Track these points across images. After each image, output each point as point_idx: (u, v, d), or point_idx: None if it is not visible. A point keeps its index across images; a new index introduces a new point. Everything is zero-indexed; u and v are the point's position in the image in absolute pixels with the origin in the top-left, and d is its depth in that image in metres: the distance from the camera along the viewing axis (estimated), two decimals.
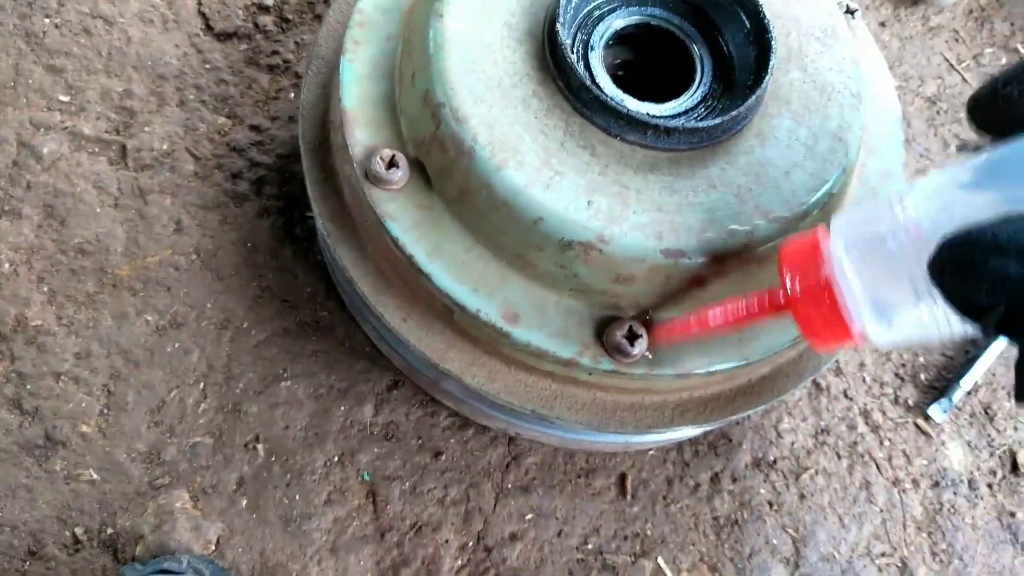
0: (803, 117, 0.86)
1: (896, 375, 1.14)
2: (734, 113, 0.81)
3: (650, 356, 0.81)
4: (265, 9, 1.19)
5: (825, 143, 0.86)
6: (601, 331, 0.82)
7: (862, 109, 0.89)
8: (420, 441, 0.99)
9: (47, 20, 1.14)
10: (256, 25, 1.18)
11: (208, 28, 1.16)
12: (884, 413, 1.11)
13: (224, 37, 1.16)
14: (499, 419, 1.01)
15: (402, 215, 0.83)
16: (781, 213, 0.82)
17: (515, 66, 0.82)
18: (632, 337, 0.80)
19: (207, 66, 1.14)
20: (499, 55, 0.82)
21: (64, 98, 1.10)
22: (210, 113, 1.11)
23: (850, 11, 1.01)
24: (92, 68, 1.12)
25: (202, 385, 0.98)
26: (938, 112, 1.33)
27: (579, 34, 0.89)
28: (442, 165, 0.83)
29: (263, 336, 1.01)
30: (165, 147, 1.08)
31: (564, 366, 0.82)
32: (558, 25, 0.80)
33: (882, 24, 1.37)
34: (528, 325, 0.81)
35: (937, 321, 0.51)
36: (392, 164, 0.83)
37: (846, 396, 1.11)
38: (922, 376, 1.15)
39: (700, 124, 0.81)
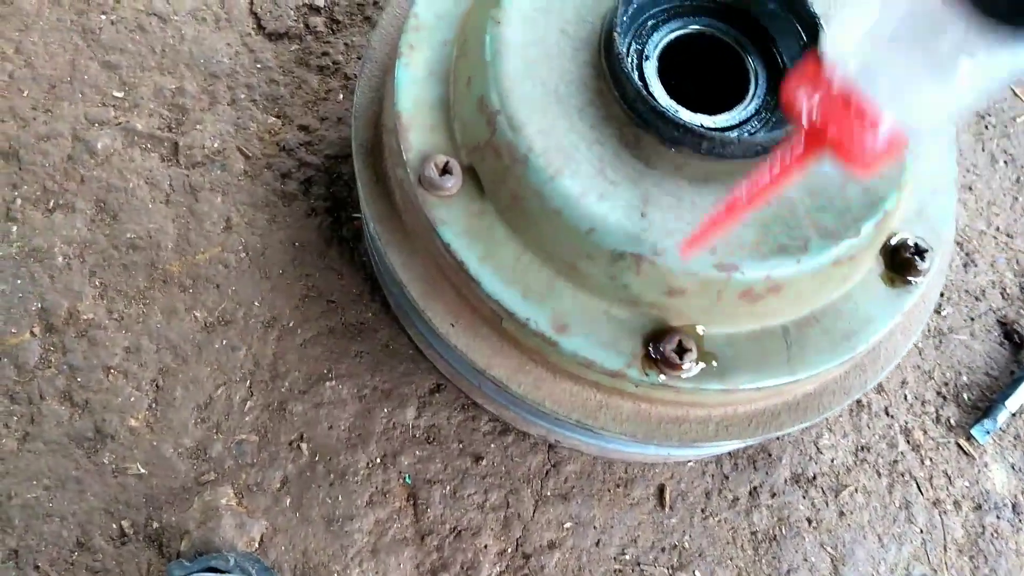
0: None
1: (938, 394, 1.13)
2: (791, 127, 0.81)
3: (699, 368, 0.81)
4: (316, 10, 1.20)
5: None
6: (650, 343, 0.82)
7: None
8: (461, 445, 1.00)
9: (103, 16, 1.15)
10: (307, 26, 1.19)
11: (260, 28, 1.18)
12: (926, 432, 1.10)
13: (275, 37, 1.18)
14: (540, 426, 1.02)
15: (454, 221, 0.83)
16: (835, 228, 0.81)
17: (571, 74, 0.83)
18: (681, 351, 0.80)
19: (258, 66, 1.15)
20: (555, 63, 0.83)
21: (118, 94, 1.12)
22: (260, 113, 1.13)
23: None
24: (146, 65, 1.13)
25: (248, 383, 1.00)
26: (986, 127, 1.32)
27: (634, 43, 0.89)
28: (496, 172, 0.83)
29: (309, 335, 1.02)
30: (216, 145, 1.10)
31: (611, 377, 0.82)
32: (615, 35, 0.80)
33: None
34: (577, 335, 0.81)
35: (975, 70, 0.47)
36: (446, 170, 0.83)
37: (887, 414, 1.10)
38: (965, 395, 1.13)
39: (756, 137, 0.80)
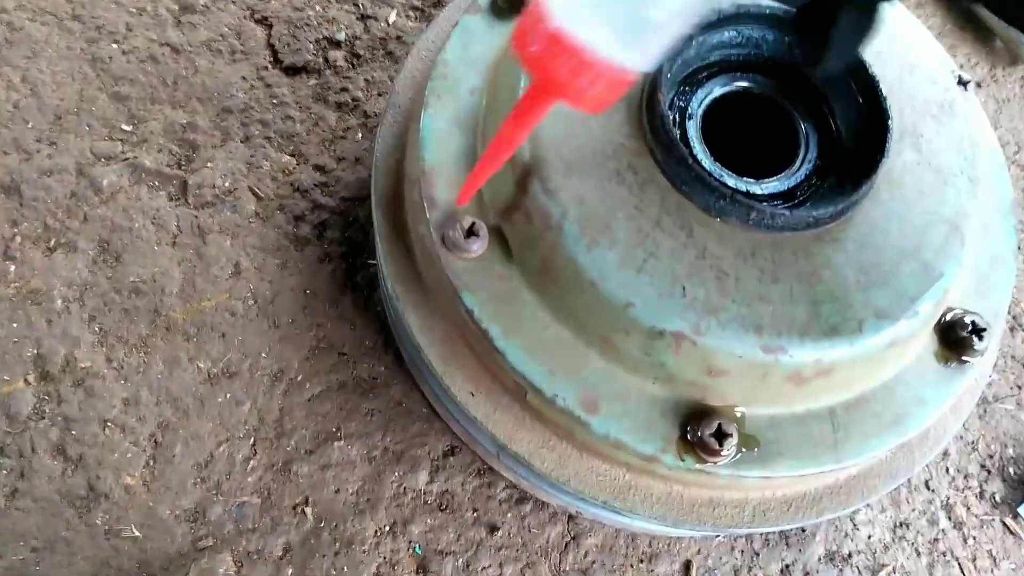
0: (916, 203, 0.80)
1: (983, 467, 1.06)
2: (846, 201, 0.75)
3: (739, 455, 0.75)
4: (336, 44, 1.15)
5: (939, 232, 0.79)
6: (686, 425, 0.76)
7: (979, 194, 0.82)
8: (476, 514, 0.94)
9: (115, 46, 1.11)
10: (326, 60, 1.14)
11: (276, 61, 1.13)
12: (968, 508, 1.04)
13: (292, 71, 1.12)
14: (560, 497, 0.96)
15: (479, 286, 0.78)
16: (890, 309, 0.75)
17: (609, 134, 0.77)
18: (721, 435, 0.74)
19: (274, 100, 1.10)
20: (593, 122, 0.77)
21: (127, 127, 1.06)
22: (275, 151, 1.07)
23: (963, 82, 0.94)
24: (157, 97, 1.08)
25: (252, 440, 0.94)
26: None
27: (677, 100, 0.83)
28: (526, 237, 0.78)
29: (317, 390, 0.97)
30: (227, 184, 1.04)
31: (644, 460, 0.77)
32: (658, 95, 0.75)
33: (978, 84, 1.30)
34: (608, 414, 0.75)
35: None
36: (471, 232, 0.77)
37: (928, 487, 1.04)
38: (1011, 469, 1.07)
39: (808, 210, 0.74)
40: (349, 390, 0.97)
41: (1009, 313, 1.15)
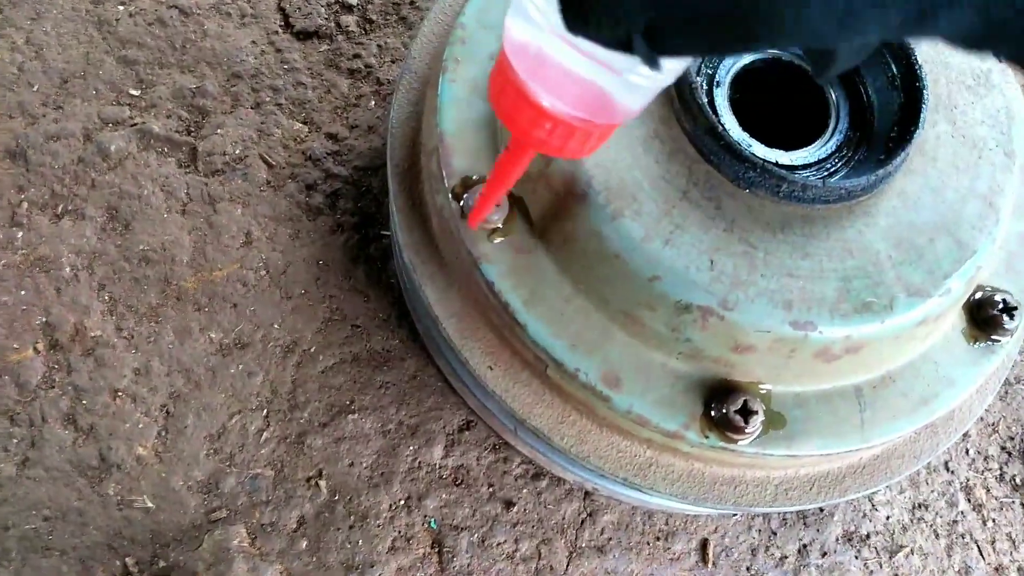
0: (950, 176, 0.77)
1: (1003, 449, 1.05)
2: (879, 173, 0.73)
3: (765, 432, 0.73)
4: (348, 8, 1.11)
5: (974, 207, 0.77)
6: (711, 401, 0.74)
7: (1015, 169, 0.80)
8: (491, 489, 0.92)
9: (121, 8, 1.08)
10: (338, 25, 1.11)
11: (288, 25, 1.10)
12: (988, 491, 1.03)
13: (304, 36, 1.09)
14: (577, 473, 0.95)
15: (499, 258, 0.76)
16: (923, 285, 0.73)
17: None
18: (747, 412, 0.72)
19: (285, 66, 1.07)
20: None
21: (135, 92, 1.04)
22: (286, 118, 1.05)
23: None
24: (165, 61, 1.06)
25: (265, 412, 0.92)
26: None
27: (703, 67, 0.80)
28: (548, 206, 0.75)
29: (331, 363, 0.95)
30: (238, 152, 1.02)
31: (666, 437, 0.75)
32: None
33: None
34: (630, 390, 0.74)
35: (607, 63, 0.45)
36: None
37: (947, 469, 1.03)
38: None
39: (840, 182, 0.72)
40: (363, 363, 0.96)
41: None
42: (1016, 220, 0.86)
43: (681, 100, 0.73)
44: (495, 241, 0.76)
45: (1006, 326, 0.79)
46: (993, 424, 1.06)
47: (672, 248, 0.70)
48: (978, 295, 0.81)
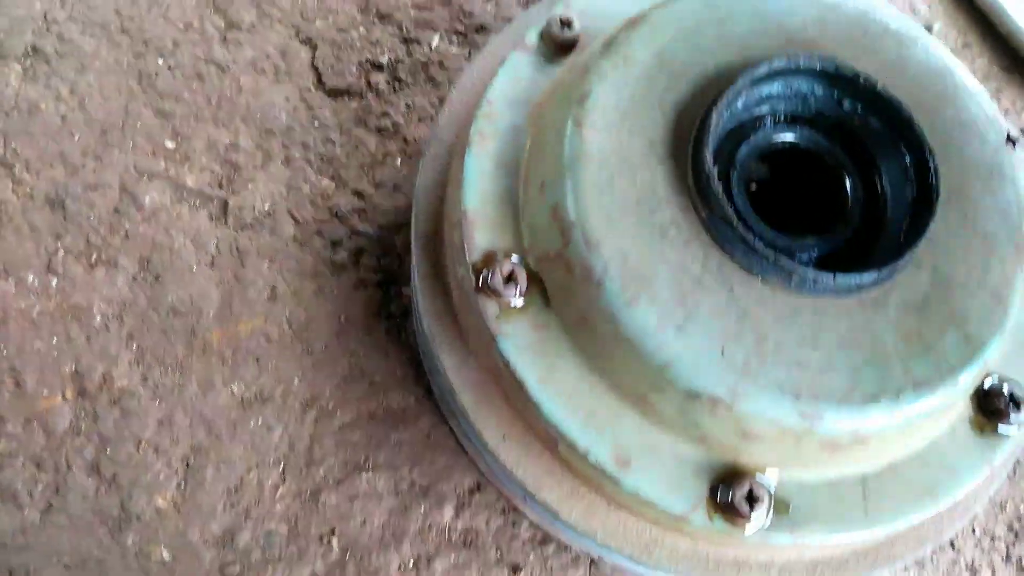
0: (961, 269, 0.79)
1: (1009, 529, 1.05)
2: (890, 267, 0.74)
3: (770, 519, 0.75)
4: (379, 67, 1.15)
5: (983, 300, 0.78)
6: (717, 486, 0.76)
7: None
8: (499, 553, 0.94)
9: (161, 61, 1.12)
10: (368, 83, 1.14)
11: (320, 83, 1.13)
12: (994, 571, 1.03)
13: (335, 94, 1.13)
14: (583, 541, 0.96)
15: (516, 334, 0.78)
16: (930, 379, 0.74)
17: (654, 188, 0.77)
18: (752, 500, 0.73)
19: (316, 123, 1.11)
20: (639, 174, 0.77)
21: (170, 144, 1.08)
22: (315, 174, 1.08)
23: (1011, 140, 0.92)
24: (201, 116, 1.09)
25: (282, 467, 0.95)
26: None
27: (722, 150, 0.82)
28: (565, 287, 0.78)
29: (348, 419, 0.98)
30: (267, 207, 1.05)
31: (673, 519, 0.76)
32: (704, 151, 0.74)
33: (1023, 131, 1.27)
34: (639, 471, 0.75)
35: None
36: (511, 279, 0.78)
37: (952, 547, 1.03)
38: None
39: (852, 276, 0.74)
40: (379, 420, 0.98)
41: None
42: None
43: (698, 189, 0.75)
44: (513, 317, 0.78)
45: (1013, 418, 0.80)
46: (1001, 503, 1.06)
47: (684, 336, 0.72)
48: (986, 384, 0.82)
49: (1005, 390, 0.81)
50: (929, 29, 1.31)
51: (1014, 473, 1.08)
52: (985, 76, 1.30)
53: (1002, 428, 0.81)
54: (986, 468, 0.81)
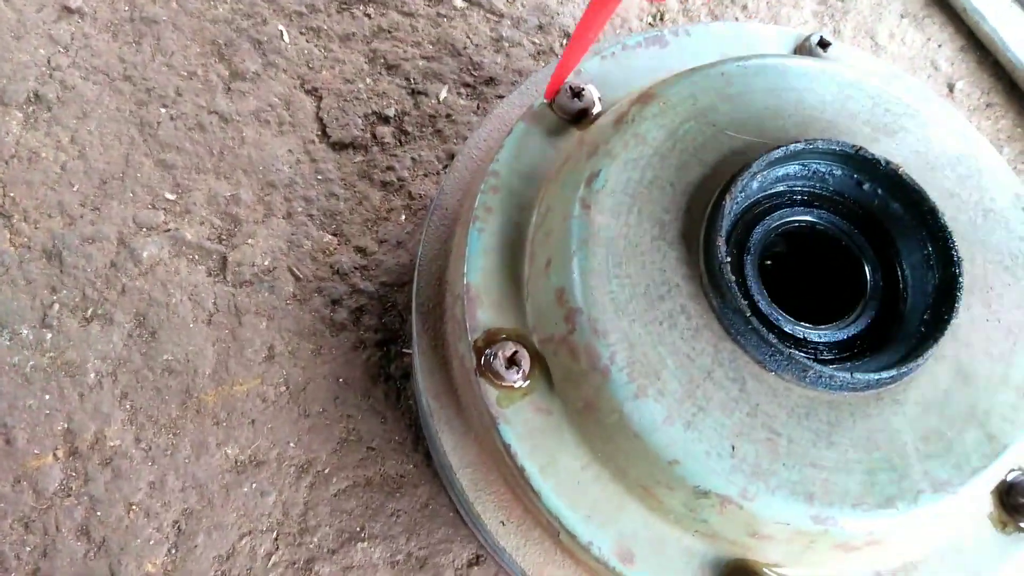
0: (983, 363, 0.76)
1: None
2: (909, 365, 0.71)
3: None
4: (385, 120, 1.13)
5: (1007, 397, 0.75)
6: None
7: None
8: None
9: (163, 110, 1.10)
10: (374, 136, 1.12)
11: (324, 135, 1.11)
12: None
13: (339, 147, 1.11)
14: None
15: (517, 419, 0.75)
16: (950, 480, 0.71)
17: (664, 273, 0.74)
18: None
19: (319, 177, 1.09)
20: (648, 259, 0.74)
21: (171, 196, 1.06)
22: (316, 229, 1.06)
23: None
24: (202, 167, 1.07)
25: (275, 534, 0.92)
26: None
27: (735, 232, 0.80)
28: (570, 372, 0.75)
29: (344, 485, 0.95)
30: (267, 263, 1.03)
31: None
32: (718, 238, 0.72)
33: None
34: (643, 566, 0.72)
35: None
36: (513, 362, 0.75)
37: None
38: None
39: (868, 375, 0.71)
40: (376, 487, 0.95)
41: None
42: None
43: (710, 277, 0.72)
44: (515, 401, 0.76)
45: None
46: None
47: (693, 431, 0.69)
48: (1008, 477, 0.79)
49: None
50: (951, 88, 1.28)
51: None
52: (1009, 137, 1.27)
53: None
54: (1008, 568, 0.78)
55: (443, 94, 1.16)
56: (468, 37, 1.20)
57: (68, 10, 1.15)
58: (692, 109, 0.80)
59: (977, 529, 0.78)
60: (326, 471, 0.96)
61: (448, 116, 1.15)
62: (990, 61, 1.29)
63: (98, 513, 0.92)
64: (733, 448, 0.69)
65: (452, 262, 0.86)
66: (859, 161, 0.78)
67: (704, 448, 0.69)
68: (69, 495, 0.92)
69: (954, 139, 0.84)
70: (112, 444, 0.94)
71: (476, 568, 0.94)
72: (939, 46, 1.31)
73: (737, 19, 1.28)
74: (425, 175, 1.11)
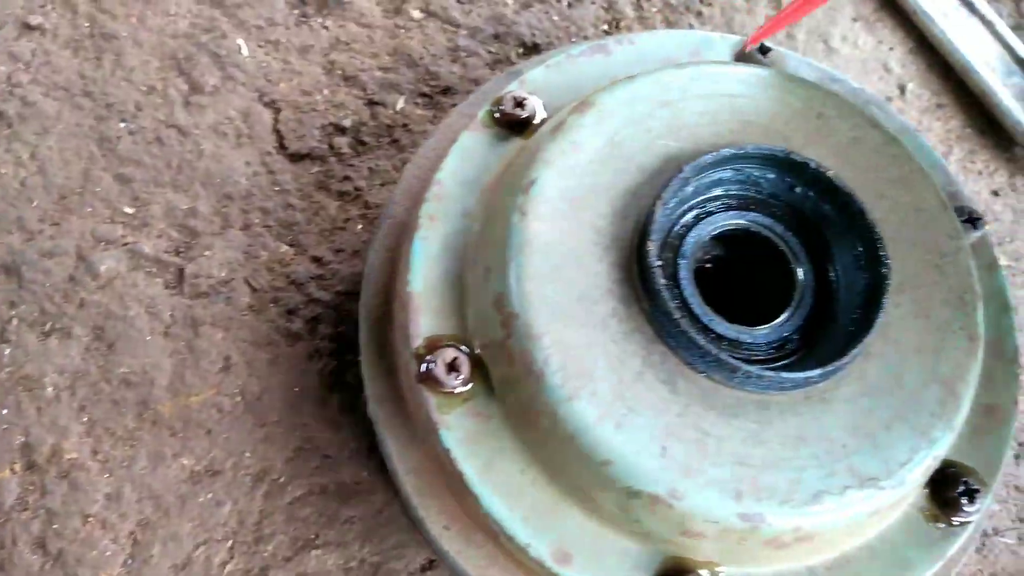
0: (912, 360, 0.77)
1: None
2: (835, 363, 0.73)
3: None
4: (342, 130, 1.14)
5: (934, 393, 0.77)
6: None
7: (978, 352, 0.79)
8: None
9: (123, 125, 1.11)
10: (331, 146, 1.13)
11: (282, 147, 1.13)
12: None
13: (297, 158, 1.12)
14: None
15: (457, 424, 0.76)
16: (877, 476, 0.73)
17: (598, 278, 0.76)
18: None
19: (276, 188, 1.10)
20: (582, 264, 0.76)
21: (129, 210, 1.07)
22: (273, 240, 1.07)
23: (972, 220, 0.91)
24: (160, 180, 1.09)
25: (230, 543, 0.93)
26: None
27: (669, 238, 0.81)
28: (507, 377, 0.76)
29: (299, 493, 0.96)
30: (223, 275, 1.04)
31: None
32: (649, 243, 0.73)
33: (995, 193, 1.26)
34: (580, 567, 0.74)
35: None
36: (453, 368, 0.77)
37: None
38: None
39: (793, 375, 0.72)
40: (330, 496, 0.96)
41: (1015, 439, 1.12)
42: (985, 392, 0.86)
43: (642, 281, 0.74)
44: (455, 407, 0.77)
45: (967, 510, 0.79)
46: None
47: (624, 432, 0.71)
48: (942, 471, 0.81)
49: (959, 480, 0.80)
50: (902, 89, 1.30)
51: (983, 546, 1.06)
52: (959, 137, 1.29)
53: (956, 520, 0.80)
54: (939, 560, 0.79)
55: (400, 104, 1.18)
56: (425, 48, 1.22)
57: (28, 27, 1.16)
58: (629, 116, 0.82)
59: (910, 524, 0.80)
60: (281, 480, 0.97)
61: (405, 126, 1.16)
62: (940, 63, 1.31)
63: (55, 526, 0.93)
64: (663, 448, 0.71)
65: (399, 271, 0.87)
66: (789, 165, 0.80)
67: (634, 449, 0.70)
68: (26, 508, 0.93)
69: (888, 142, 0.86)
70: (69, 457, 0.95)
71: (429, 573, 0.95)
72: (890, 49, 1.33)
73: (692, 27, 1.30)
74: (382, 184, 1.12)
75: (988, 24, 1.30)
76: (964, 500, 0.79)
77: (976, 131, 1.30)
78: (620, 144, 0.81)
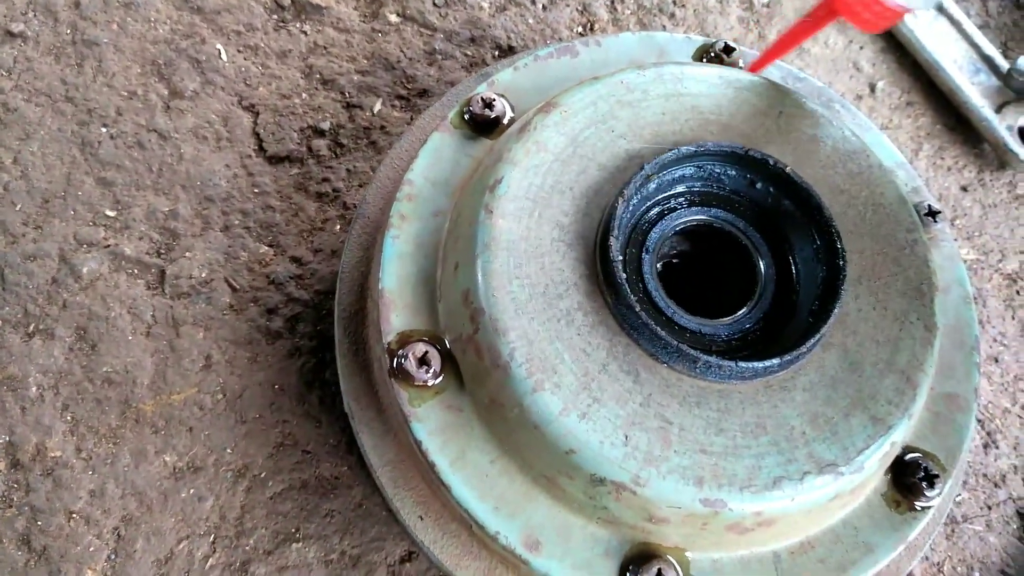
0: (870, 350, 0.80)
1: None
2: (793, 354, 0.75)
3: None
4: (320, 133, 1.16)
5: (892, 382, 0.79)
6: (627, 565, 0.76)
7: (936, 343, 0.82)
8: None
9: (104, 129, 1.13)
10: (310, 149, 1.16)
11: (261, 150, 1.15)
12: None
13: (276, 160, 1.14)
14: None
15: (428, 417, 0.79)
16: (835, 463, 0.75)
17: (562, 273, 0.78)
18: None
19: (255, 190, 1.12)
20: (547, 260, 0.78)
21: (111, 213, 1.09)
22: (253, 241, 1.09)
23: (932, 213, 0.94)
24: (141, 184, 1.11)
25: (212, 537, 0.95)
26: (1018, 292, 1.24)
27: (634, 234, 0.84)
28: (476, 370, 0.78)
29: (280, 488, 0.98)
30: (204, 275, 1.06)
31: None
32: (611, 239, 0.75)
33: (964, 188, 1.29)
34: (550, 554, 0.76)
35: None
36: (424, 362, 0.79)
37: None
38: None
39: (752, 364, 0.75)
40: (311, 490, 0.98)
41: (984, 428, 1.14)
42: (945, 381, 0.88)
43: (604, 275, 0.76)
44: (427, 400, 0.79)
45: (927, 494, 0.81)
46: (939, 564, 1.06)
47: (588, 422, 0.73)
48: (903, 458, 0.83)
49: (920, 466, 0.82)
50: (872, 88, 1.33)
51: (952, 533, 1.09)
52: (928, 134, 1.31)
53: (917, 504, 0.82)
54: (900, 544, 0.82)
55: (377, 107, 1.20)
56: (402, 51, 1.24)
57: (11, 34, 1.18)
58: (592, 116, 0.84)
59: (872, 508, 0.82)
60: (262, 475, 0.99)
61: (382, 128, 1.18)
62: (909, 61, 1.34)
63: (39, 523, 0.94)
64: (626, 437, 0.73)
65: (373, 269, 0.90)
66: (749, 161, 0.82)
67: (598, 438, 0.72)
68: (11, 506, 0.95)
69: (846, 138, 0.88)
70: (53, 455, 0.97)
71: (408, 564, 0.97)
72: (861, 48, 1.35)
73: (665, 28, 1.32)
74: (360, 186, 1.15)
75: (956, 23, 1.33)
76: (924, 485, 0.81)
77: (945, 128, 1.32)
78: (583, 143, 0.83)
